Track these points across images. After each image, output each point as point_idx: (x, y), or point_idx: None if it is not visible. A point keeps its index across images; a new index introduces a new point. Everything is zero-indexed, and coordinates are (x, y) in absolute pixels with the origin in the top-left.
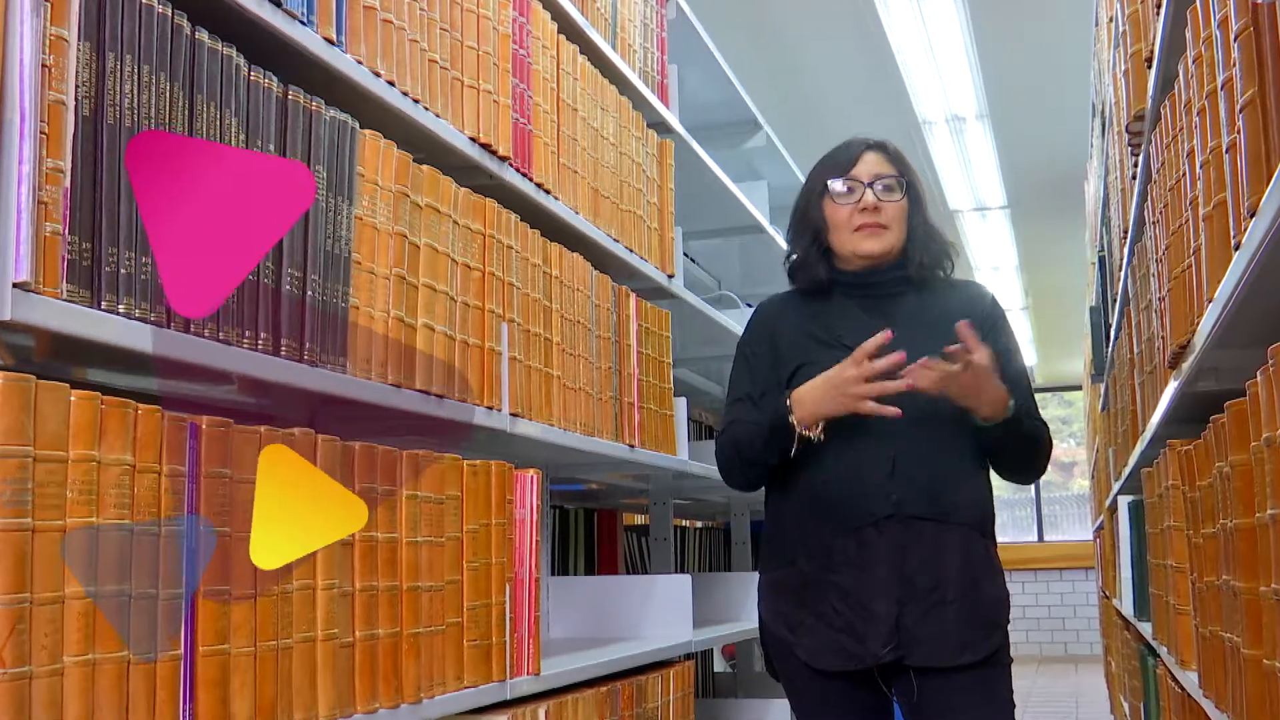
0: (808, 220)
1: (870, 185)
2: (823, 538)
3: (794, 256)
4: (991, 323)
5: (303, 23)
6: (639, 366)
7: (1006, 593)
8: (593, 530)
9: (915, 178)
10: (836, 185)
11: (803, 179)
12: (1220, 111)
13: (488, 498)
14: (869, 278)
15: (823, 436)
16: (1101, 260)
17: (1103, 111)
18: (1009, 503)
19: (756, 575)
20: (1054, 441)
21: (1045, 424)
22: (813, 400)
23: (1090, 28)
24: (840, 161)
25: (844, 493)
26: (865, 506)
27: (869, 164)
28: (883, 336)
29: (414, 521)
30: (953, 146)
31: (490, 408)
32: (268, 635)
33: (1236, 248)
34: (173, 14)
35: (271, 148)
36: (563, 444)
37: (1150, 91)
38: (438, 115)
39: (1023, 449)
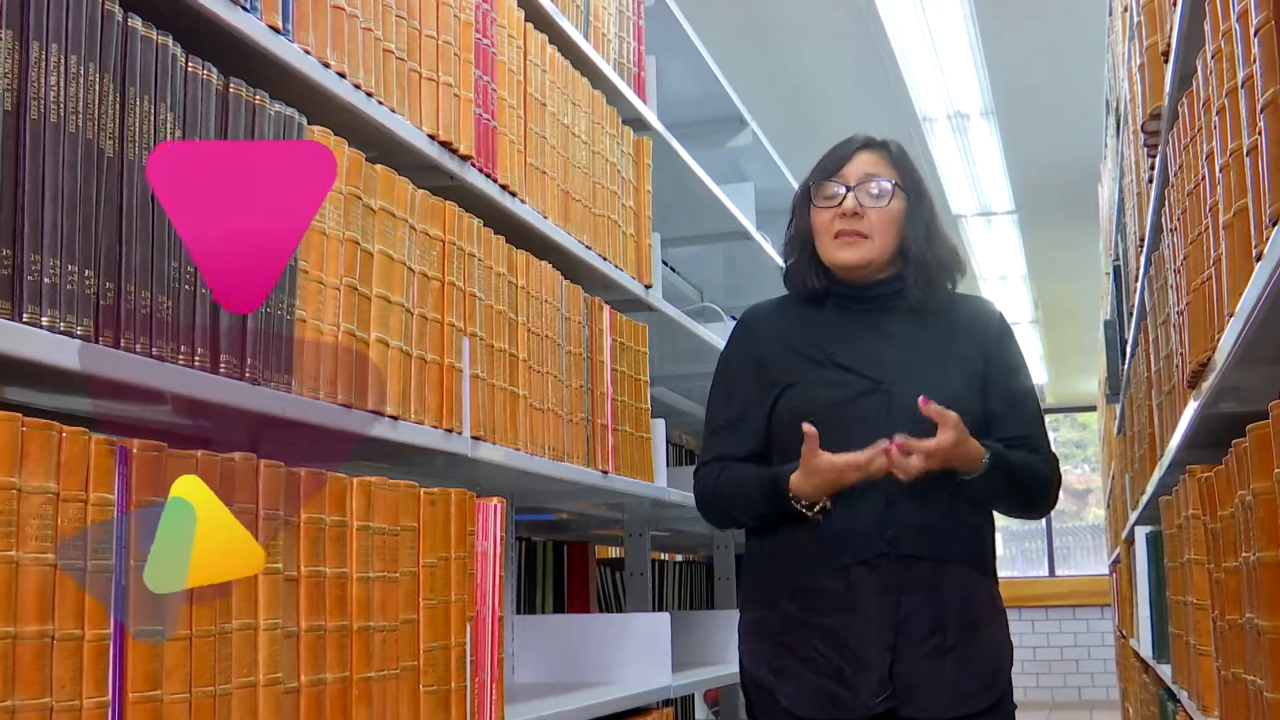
0: (797, 225)
1: (853, 188)
2: (809, 576)
3: (789, 262)
4: (997, 342)
5: (245, 9)
6: (613, 385)
7: (1009, 636)
8: (562, 564)
9: (918, 183)
10: (820, 187)
11: (791, 180)
12: (1240, 111)
13: (447, 529)
14: (862, 291)
15: (829, 505)
16: (1116, 270)
17: (1117, 108)
18: (1017, 535)
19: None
20: (1067, 467)
21: (1052, 456)
22: (813, 488)
23: (1104, 17)
24: (830, 161)
25: (835, 529)
26: (857, 544)
27: (860, 165)
28: (882, 449)
29: (365, 555)
30: (955, 146)
31: (450, 430)
32: (204, 680)
33: (1258, 258)
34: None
35: None
36: (529, 470)
37: (1167, 88)
38: (393, 110)
39: (1013, 496)
